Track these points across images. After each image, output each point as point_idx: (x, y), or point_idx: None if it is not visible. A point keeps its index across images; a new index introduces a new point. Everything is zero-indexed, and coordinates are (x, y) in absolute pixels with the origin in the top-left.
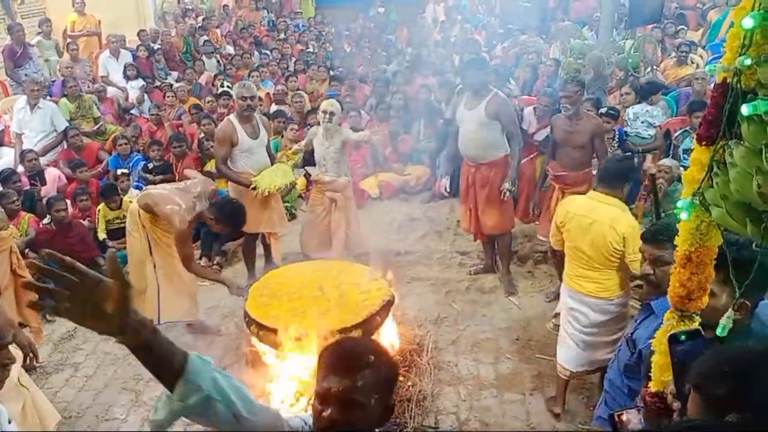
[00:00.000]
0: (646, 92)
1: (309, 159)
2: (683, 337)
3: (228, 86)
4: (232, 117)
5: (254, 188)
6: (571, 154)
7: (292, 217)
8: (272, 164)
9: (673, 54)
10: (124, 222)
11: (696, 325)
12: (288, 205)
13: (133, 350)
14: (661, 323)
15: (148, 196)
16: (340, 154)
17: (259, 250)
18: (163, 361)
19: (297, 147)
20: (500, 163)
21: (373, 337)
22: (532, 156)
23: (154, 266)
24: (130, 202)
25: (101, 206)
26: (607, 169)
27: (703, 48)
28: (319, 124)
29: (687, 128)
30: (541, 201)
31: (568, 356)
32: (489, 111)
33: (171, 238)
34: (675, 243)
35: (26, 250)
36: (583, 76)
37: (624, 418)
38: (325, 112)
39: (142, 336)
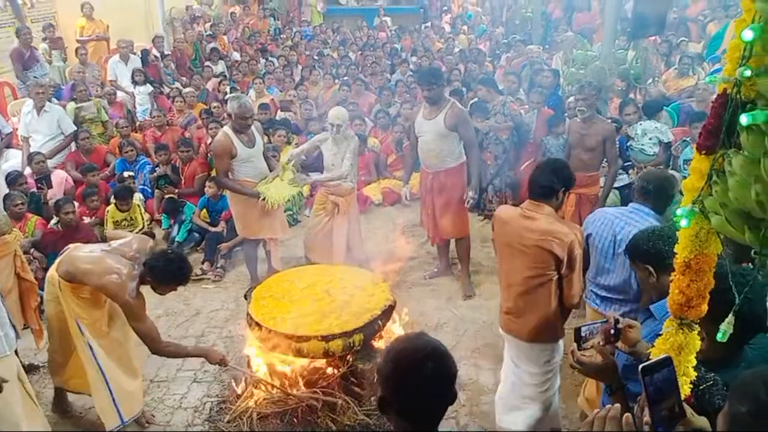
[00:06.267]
0: (652, 110)
1: (312, 164)
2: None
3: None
4: (227, 129)
5: (263, 199)
6: (582, 157)
7: (295, 222)
8: (270, 169)
9: (675, 65)
10: (132, 224)
11: (695, 334)
12: (290, 212)
13: None
14: (659, 327)
15: (72, 263)
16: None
17: (261, 254)
18: None
19: (291, 154)
20: (457, 171)
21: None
22: (531, 160)
23: (90, 347)
24: (138, 204)
25: (110, 207)
26: None
27: (703, 59)
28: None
29: (687, 138)
30: None
31: None
32: (448, 123)
33: (95, 313)
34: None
35: (31, 249)
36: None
37: (584, 333)
38: (332, 125)
39: None
